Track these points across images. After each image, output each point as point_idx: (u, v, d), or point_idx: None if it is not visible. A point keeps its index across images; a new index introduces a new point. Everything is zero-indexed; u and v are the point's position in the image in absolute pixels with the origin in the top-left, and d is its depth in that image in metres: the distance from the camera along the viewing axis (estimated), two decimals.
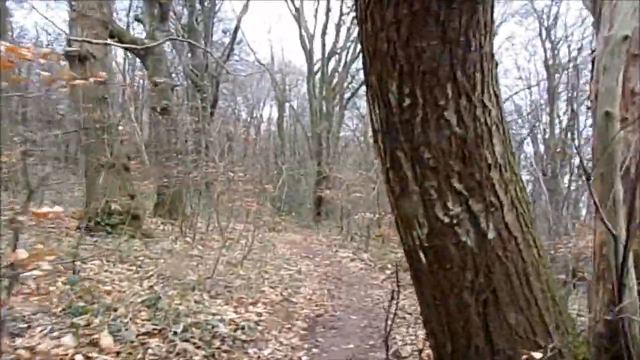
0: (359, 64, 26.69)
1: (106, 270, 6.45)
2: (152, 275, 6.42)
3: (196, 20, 21.94)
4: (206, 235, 11.86)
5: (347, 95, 25.92)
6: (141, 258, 7.45)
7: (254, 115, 36.23)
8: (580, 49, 20.25)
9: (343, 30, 24.31)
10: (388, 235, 10.46)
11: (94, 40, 8.25)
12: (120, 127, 9.51)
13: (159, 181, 13.56)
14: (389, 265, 9.61)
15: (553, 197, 14.52)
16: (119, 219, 9.02)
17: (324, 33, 22.90)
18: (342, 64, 24.57)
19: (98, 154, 9.12)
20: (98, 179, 9.10)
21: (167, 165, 12.22)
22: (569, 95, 19.96)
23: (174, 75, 21.75)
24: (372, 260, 10.38)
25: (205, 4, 22.29)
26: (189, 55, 21.27)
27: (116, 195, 9.42)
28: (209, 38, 21.72)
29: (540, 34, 22.21)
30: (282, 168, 18.39)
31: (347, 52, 24.63)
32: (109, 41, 9.37)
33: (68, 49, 9.37)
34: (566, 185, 17.62)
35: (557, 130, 21.34)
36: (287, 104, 32.74)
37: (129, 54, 22.44)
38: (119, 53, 23.64)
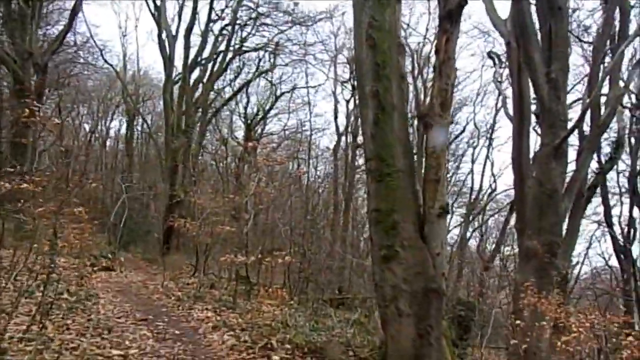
0: (226, 79, 23.03)
1: None
2: None
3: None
4: None
5: (210, 112, 22.01)
6: None
7: (99, 127, 30.13)
8: None
9: (210, 39, 20.56)
10: (280, 296, 6.81)
11: None
12: None
13: None
14: (273, 342, 5.91)
15: None
16: None
17: (188, 34, 18.84)
18: (207, 75, 20.61)
19: None
20: None
21: None
22: None
23: None
24: (245, 329, 6.59)
25: None
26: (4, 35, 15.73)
27: None
28: (35, 23, 16.23)
29: None
30: (123, 187, 13.71)
31: (214, 64, 20.80)
32: None
33: None
34: None
35: None
36: (139, 119, 27.56)
37: None
38: None
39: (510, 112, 11.11)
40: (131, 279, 11.70)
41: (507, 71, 12.32)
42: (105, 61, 21.60)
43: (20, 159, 12.62)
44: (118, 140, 31.85)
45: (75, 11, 16.21)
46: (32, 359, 4.32)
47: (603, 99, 10.85)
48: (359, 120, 20.89)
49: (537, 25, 9.19)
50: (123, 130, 30.21)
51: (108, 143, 32.04)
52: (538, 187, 8.66)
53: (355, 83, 20.70)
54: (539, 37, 9.05)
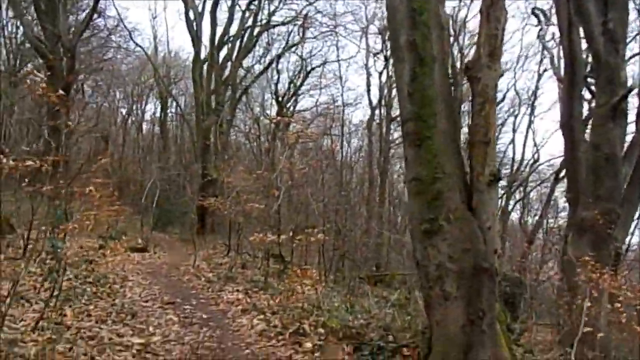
0: (255, 55, 22.45)
1: None
2: None
3: None
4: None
5: (240, 90, 21.52)
6: None
7: (134, 111, 30.13)
8: None
9: (237, 15, 19.91)
10: (311, 276, 6.30)
11: None
12: None
13: None
14: (305, 327, 5.39)
15: None
16: None
17: (214, 11, 18.28)
18: (235, 52, 20.05)
19: None
20: None
21: None
22: None
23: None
24: (276, 312, 6.11)
25: None
26: (35, 20, 15.59)
27: None
28: (62, 6, 15.93)
29: None
30: (153, 168, 13.43)
31: (242, 40, 20.20)
32: None
33: None
34: None
35: None
36: (172, 101, 27.32)
37: None
38: None
39: (560, 72, 10.13)
40: (164, 260, 11.47)
41: (552, 29, 11.22)
42: (136, 44, 21.36)
43: (56, 142, 12.52)
44: (154, 123, 31.82)
45: None
46: (43, 350, 3.93)
47: None
48: (393, 91, 19.99)
49: None
50: (158, 113, 30.15)
51: (144, 126, 32.13)
52: (593, 151, 7.78)
53: (389, 53, 19.75)
54: None
